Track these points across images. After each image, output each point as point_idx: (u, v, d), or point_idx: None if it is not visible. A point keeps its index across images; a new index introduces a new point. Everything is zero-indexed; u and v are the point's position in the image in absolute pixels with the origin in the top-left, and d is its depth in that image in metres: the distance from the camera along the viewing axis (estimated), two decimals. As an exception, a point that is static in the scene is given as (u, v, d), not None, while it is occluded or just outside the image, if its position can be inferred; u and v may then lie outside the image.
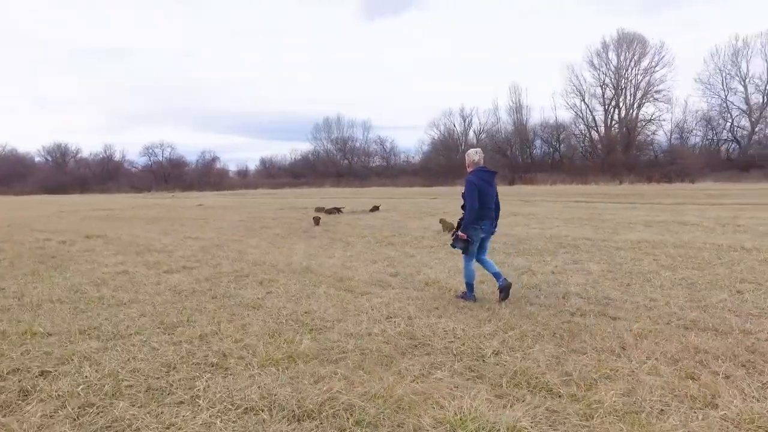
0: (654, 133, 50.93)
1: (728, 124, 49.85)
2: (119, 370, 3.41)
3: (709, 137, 49.98)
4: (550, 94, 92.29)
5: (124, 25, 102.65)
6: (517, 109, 57.04)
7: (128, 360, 3.60)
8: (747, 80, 48.68)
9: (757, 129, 49.33)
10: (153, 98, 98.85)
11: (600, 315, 4.71)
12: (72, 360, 3.63)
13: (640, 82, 51.52)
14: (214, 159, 62.79)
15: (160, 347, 3.88)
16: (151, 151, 61.12)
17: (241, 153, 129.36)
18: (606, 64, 52.90)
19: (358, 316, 4.79)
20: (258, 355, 3.65)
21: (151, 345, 3.93)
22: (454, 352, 3.79)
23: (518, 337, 4.10)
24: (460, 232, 5.14)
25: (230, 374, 3.34)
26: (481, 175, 5.10)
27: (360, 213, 17.24)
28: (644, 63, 51.48)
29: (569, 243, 9.23)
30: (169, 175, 55.66)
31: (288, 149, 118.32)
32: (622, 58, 52.36)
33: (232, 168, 68.20)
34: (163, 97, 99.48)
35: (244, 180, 60.96)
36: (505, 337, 4.09)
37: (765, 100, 48.89)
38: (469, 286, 5.32)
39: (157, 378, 3.28)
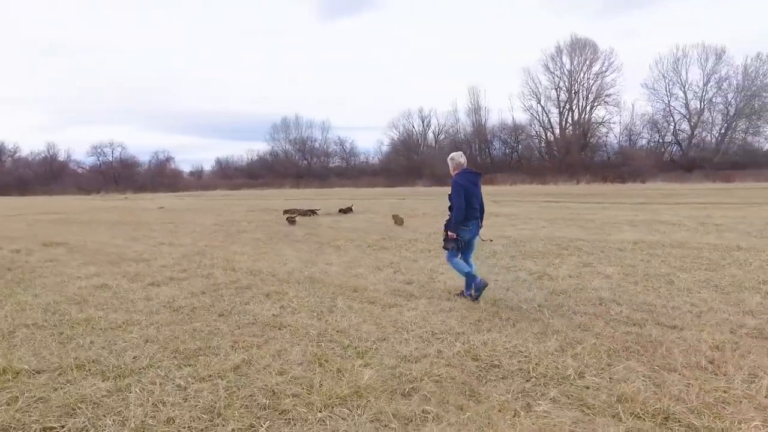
0: (605, 136, 53.23)
1: (671, 127, 52.95)
2: (151, 422, 2.70)
3: (655, 140, 52.81)
4: (508, 96, 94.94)
5: (66, 18, 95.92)
6: (476, 110, 58.04)
7: (156, 406, 2.89)
8: (686, 87, 51.93)
9: (695, 133, 52.73)
10: (100, 96, 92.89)
11: (657, 324, 4.43)
12: (80, 410, 2.87)
13: (591, 86, 53.75)
14: (168, 159, 59.87)
15: (188, 385, 3.19)
16: (99, 150, 57.06)
17: (194, 154, 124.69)
18: (560, 68, 54.81)
19: (399, 333, 4.27)
20: (317, 392, 3.05)
21: (175, 382, 3.23)
22: (533, 374, 3.36)
23: (590, 353, 3.73)
24: (449, 232, 5.22)
25: (293, 420, 2.73)
26: (466, 176, 5.24)
27: (335, 215, 16.61)
28: (595, 67, 53.75)
29: (568, 245, 9.07)
30: (119, 175, 51.93)
31: (244, 150, 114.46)
32: (575, 62, 54.42)
33: (186, 169, 65.25)
34: (111, 96, 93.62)
35: (199, 181, 58.26)
36: (576, 354, 3.71)
37: (702, 106, 52.36)
38: (469, 275, 5.27)
39: (204, 431, 2.62)
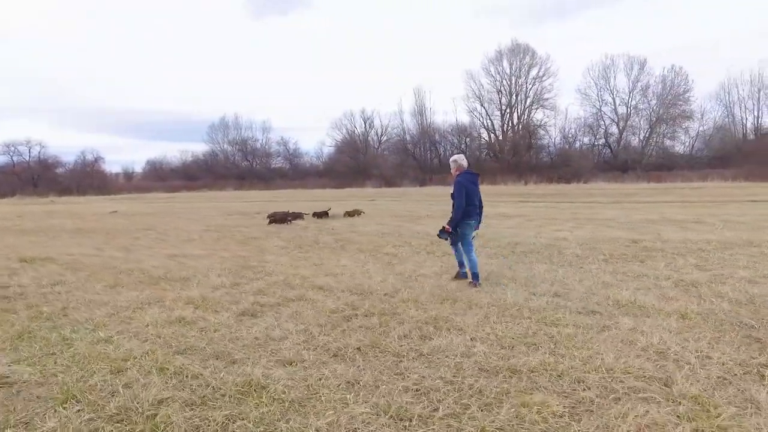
0: (543, 138, 55.72)
1: (602, 130, 56.66)
2: None
3: (590, 142, 56.20)
4: (451, 98, 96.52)
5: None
6: (421, 111, 58.27)
7: None
8: (615, 93, 55.90)
9: (623, 136, 56.87)
10: (9, 91, 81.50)
11: None
12: None
13: (529, 90, 56.03)
14: (97, 159, 52.77)
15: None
16: (13, 149, 49.31)
17: (121, 154, 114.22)
18: (500, 72, 56.56)
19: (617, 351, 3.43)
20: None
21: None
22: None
23: None
24: (446, 225, 5.78)
25: None
26: (467, 177, 5.73)
27: (339, 218, 15.29)
28: (533, 72, 56.11)
29: (646, 246, 8.59)
30: (38, 177, 45.19)
31: (177, 150, 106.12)
32: (514, 66, 56.45)
33: (114, 170, 58.67)
34: (21, 89, 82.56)
35: (130, 183, 52.80)
36: None
37: (628, 111, 56.61)
38: (475, 275, 5.76)
39: None
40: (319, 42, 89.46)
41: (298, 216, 14.36)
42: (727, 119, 54.40)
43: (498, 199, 24.92)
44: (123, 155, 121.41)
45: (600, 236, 9.93)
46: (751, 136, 52.52)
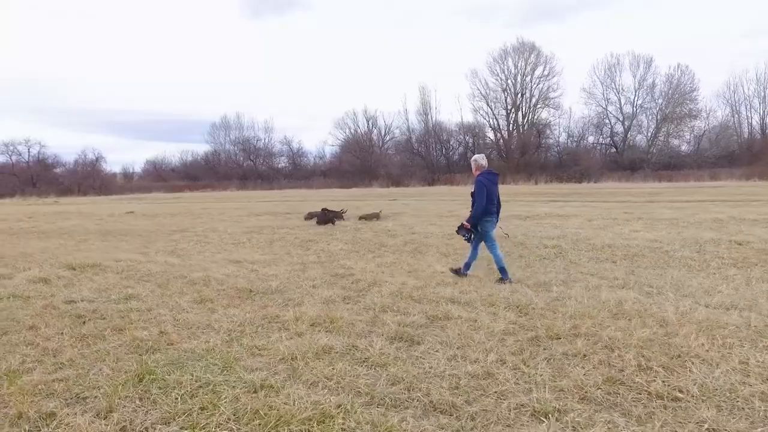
0: (550, 137, 55.13)
1: (608, 129, 56.18)
2: None
3: (597, 141, 55.71)
4: (456, 97, 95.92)
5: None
6: (426, 110, 57.37)
7: None
8: (620, 92, 55.41)
9: (629, 135, 56.45)
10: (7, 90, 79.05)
11: None
12: None
13: (534, 89, 55.31)
14: (99, 159, 50.02)
15: None
16: (12, 149, 47.29)
17: (119, 154, 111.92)
18: (506, 71, 55.82)
19: None
20: None
21: None
22: None
23: None
24: (465, 222, 5.79)
25: None
26: (488, 176, 5.75)
27: (360, 220, 14.26)
28: (538, 71, 55.42)
29: (744, 248, 7.83)
30: (38, 177, 43.22)
31: (177, 150, 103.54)
32: (519, 65, 55.73)
33: (112, 170, 56.65)
34: (20, 89, 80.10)
35: (131, 183, 50.99)
36: None
37: (634, 110, 56.21)
38: (503, 270, 5.72)
39: None
40: (316, 43, 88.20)
41: (338, 216, 13.42)
42: (732, 118, 54.19)
43: (518, 199, 24.11)
44: (121, 155, 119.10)
45: (689, 236, 9.10)
46: (758, 135, 52.32)
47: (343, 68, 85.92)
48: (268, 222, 14.02)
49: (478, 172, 5.83)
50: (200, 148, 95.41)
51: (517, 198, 24.55)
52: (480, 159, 5.95)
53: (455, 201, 23.56)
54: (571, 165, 48.16)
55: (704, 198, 21.28)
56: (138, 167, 60.85)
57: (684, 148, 55.38)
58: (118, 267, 7.00)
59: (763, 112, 52.51)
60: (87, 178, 43.10)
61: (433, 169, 52.21)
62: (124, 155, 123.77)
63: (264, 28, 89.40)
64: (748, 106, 53.38)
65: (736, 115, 54.34)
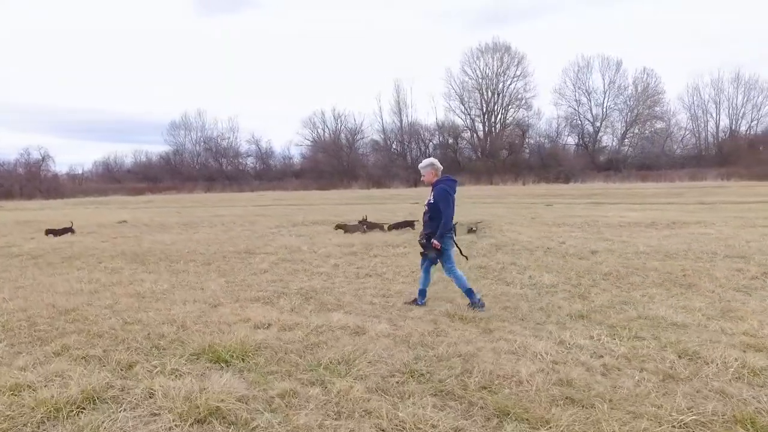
0: (531, 137, 54.72)
1: (579, 130, 56.37)
2: None
3: (572, 143, 55.90)
4: (430, 96, 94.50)
5: None
6: (401, 108, 55.42)
7: None
8: (590, 94, 55.76)
9: (598, 137, 56.97)
10: None
11: None
12: None
13: (507, 89, 54.63)
14: (45, 159, 44.21)
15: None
16: None
17: (61, 155, 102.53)
18: (479, 70, 54.84)
19: None
20: None
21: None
22: None
23: None
24: (434, 241, 4.94)
25: None
26: (450, 183, 5.11)
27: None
28: (511, 71, 54.80)
29: None
30: None
31: (129, 151, 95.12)
32: (493, 65, 54.90)
33: (58, 171, 50.21)
34: None
35: (81, 185, 45.26)
36: None
37: (603, 113, 56.79)
38: (470, 291, 5.00)
39: None
40: (274, 42, 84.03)
41: (377, 226, 11.19)
42: (694, 122, 55.94)
43: (531, 200, 22.60)
44: (64, 156, 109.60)
45: None
46: (722, 136, 54.09)
47: (307, 68, 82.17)
48: (305, 230, 11.45)
49: (435, 179, 5.08)
50: (155, 148, 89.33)
51: (521, 199, 22.95)
52: (437, 163, 5.18)
53: (472, 201, 21.70)
54: (554, 165, 47.70)
55: (730, 199, 20.45)
56: (86, 168, 55.14)
57: (654, 149, 56.41)
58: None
59: (718, 117, 54.20)
60: (32, 180, 37.63)
61: (414, 169, 50.42)
62: (69, 156, 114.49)
63: (217, 26, 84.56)
64: (706, 111, 54.99)
65: (697, 119, 55.75)
